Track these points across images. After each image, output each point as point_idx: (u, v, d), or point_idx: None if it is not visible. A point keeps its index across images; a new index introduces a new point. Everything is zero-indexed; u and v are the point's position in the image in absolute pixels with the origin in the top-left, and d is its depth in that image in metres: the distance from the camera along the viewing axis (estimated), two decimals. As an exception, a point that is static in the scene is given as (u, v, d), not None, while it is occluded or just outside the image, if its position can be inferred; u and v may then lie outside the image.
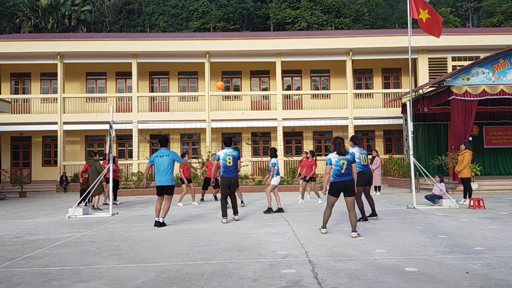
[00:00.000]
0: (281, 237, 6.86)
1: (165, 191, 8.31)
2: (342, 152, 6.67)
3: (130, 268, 5.05)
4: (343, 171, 6.64)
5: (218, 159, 8.63)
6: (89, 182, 12.05)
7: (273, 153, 10.31)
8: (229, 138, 9.02)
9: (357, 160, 8.30)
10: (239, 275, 4.62)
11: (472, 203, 10.23)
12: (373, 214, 8.64)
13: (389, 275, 4.50)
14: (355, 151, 8.38)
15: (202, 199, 13.62)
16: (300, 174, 12.86)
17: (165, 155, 8.31)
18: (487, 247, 5.73)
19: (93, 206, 11.81)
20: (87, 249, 6.20)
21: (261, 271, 4.73)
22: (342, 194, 6.81)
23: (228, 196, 8.76)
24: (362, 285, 4.16)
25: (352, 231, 6.68)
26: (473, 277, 4.38)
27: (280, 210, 10.11)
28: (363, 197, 8.52)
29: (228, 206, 8.76)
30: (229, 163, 8.49)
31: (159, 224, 8.19)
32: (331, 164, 6.71)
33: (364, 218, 8.31)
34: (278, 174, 10.26)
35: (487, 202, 11.07)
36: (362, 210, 8.34)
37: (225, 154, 8.56)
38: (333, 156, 6.72)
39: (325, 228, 7.03)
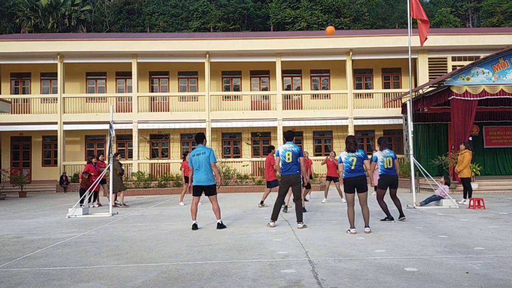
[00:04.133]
0: (281, 237, 6.85)
1: (206, 192, 7.74)
2: (351, 149, 6.87)
3: (130, 268, 5.05)
4: (352, 167, 6.83)
5: (278, 155, 7.80)
6: (89, 182, 12.10)
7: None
8: (290, 132, 8.05)
9: (380, 163, 8.29)
10: (239, 275, 4.62)
11: (472, 203, 10.23)
12: (401, 215, 8.45)
13: (389, 275, 4.50)
14: (378, 154, 8.34)
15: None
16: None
17: (202, 153, 7.70)
18: (487, 247, 5.73)
19: (115, 204, 12.30)
20: (87, 249, 6.20)
21: (261, 271, 4.73)
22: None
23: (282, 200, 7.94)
24: (362, 285, 4.16)
25: (365, 226, 6.87)
26: (473, 277, 4.37)
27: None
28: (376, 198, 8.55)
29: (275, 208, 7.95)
30: (288, 159, 7.63)
31: (196, 227, 7.71)
32: (341, 162, 6.96)
33: (389, 218, 8.27)
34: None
35: (487, 202, 11.06)
36: (386, 211, 8.28)
37: (284, 149, 7.73)
38: (343, 154, 6.98)
39: (354, 228, 6.88)
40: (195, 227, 7.76)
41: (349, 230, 6.91)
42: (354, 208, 7.08)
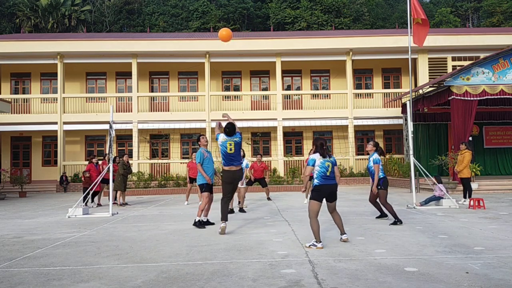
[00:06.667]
0: (281, 237, 6.85)
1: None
2: (327, 154, 6.05)
3: (130, 268, 5.05)
4: (328, 173, 6.01)
5: (218, 139, 7.45)
6: (91, 181, 12.17)
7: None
8: (233, 126, 7.43)
9: (379, 166, 8.05)
10: (239, 275, 4.62)
11: (472, 203, 10.23)
12: (381, 215, 8.63)
13: (389, 275, 4.50)
14: (377, 156, 8.19)
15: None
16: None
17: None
18: (487, 247, 5.73)
19: (116, 203, 12.62)
20: (87, 249, 6.20)
21: (261, 271, 4.73)
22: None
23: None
24: (362, 285, 4.16)
25: (342, 234, 6.27)
26: (473, 277, 4.38)
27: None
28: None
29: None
30: (230, 149, 7.22)
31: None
32: (313, 165, 6.05)
33: (383, 215, 8.44)
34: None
35: (487, 202, 11.06)
36: (393, 214, 7.92)
37: (225, 139, 7.27)
38: (318, 157, 6.05)
39: (321, 242, 5.95)
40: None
41: (314, 245, 5.88)
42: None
